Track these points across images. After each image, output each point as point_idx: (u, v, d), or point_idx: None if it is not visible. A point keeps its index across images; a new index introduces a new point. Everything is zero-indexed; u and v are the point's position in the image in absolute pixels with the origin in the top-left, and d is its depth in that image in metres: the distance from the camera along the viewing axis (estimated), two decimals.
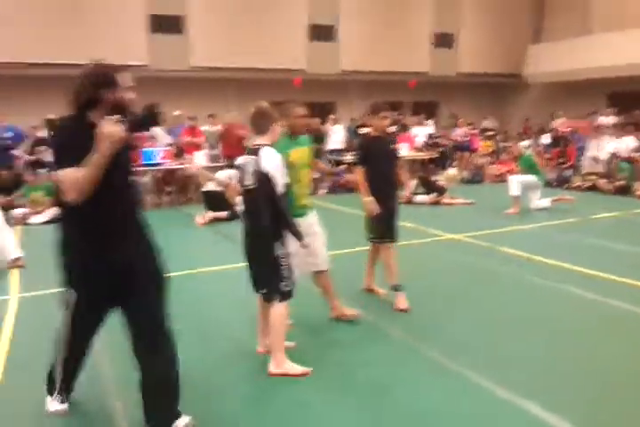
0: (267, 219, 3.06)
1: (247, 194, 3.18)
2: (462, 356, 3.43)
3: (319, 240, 3.75)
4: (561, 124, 14.82)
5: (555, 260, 5.63)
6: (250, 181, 3.09)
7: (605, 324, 3.98)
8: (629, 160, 11.11)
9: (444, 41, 18.14)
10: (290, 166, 3.36)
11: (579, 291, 4.65)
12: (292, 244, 3.25)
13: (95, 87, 2.32)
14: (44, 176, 9.36)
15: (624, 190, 10.19)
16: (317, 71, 15.76)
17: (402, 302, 4.26)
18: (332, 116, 13.31)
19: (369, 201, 4.19)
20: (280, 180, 3.10)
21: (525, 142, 11.05)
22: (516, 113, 19.01)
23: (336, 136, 12.59)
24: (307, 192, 3.70)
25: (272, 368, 3.23)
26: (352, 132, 12.56)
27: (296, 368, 3.22)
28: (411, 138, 12.87)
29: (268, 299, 3.27)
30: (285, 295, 3.19)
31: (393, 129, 13.64)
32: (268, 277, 3.18)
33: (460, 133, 13.93)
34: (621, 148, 11.31)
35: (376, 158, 4.27)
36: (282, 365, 3.23)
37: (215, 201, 8.06)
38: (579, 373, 3.22)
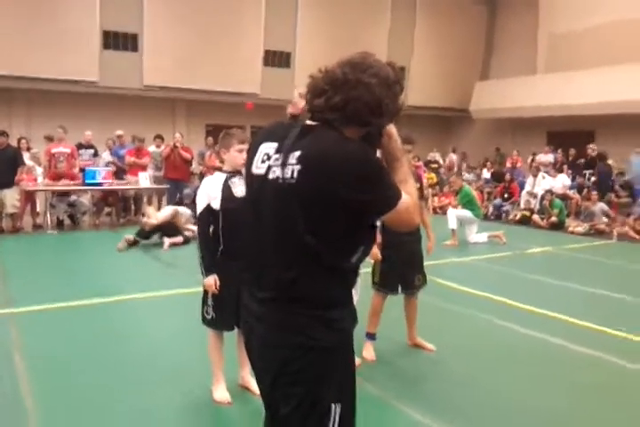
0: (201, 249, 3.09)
1: None
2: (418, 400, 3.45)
3: None
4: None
5: (485, 292, 5.78)
6: None
7: (527, 355, 4.09)
8: (563, 197, 11.64)
9: None
10: None
11: (506, 323, 4.78)
12: None
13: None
14: None
15: (557, 226, 10.64)
16: (271, 96, 15.91)
17: (368, 350, 3.95)
18: None
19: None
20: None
21: (466, 176, 11.43)
22: (460, 146, 19.66)
23: None
24: None
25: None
26: None
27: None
28: None
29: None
30: (206, 322, 3.18)
31: None
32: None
33: None
34: (556, 185, 11.86)
35: None
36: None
37: (168, 229, 8.05)
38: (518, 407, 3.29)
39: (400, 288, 4.04)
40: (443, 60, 19.02)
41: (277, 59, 16.82)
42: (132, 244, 7.77)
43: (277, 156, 1.54)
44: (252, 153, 1.64)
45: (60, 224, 9.45)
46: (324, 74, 1.54)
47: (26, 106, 14.37)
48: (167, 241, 7.88)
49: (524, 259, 7.98)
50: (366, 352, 3.95)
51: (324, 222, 1.49)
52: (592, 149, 13.07)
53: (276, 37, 16.33)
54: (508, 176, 12.68)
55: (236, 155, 3.09)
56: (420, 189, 4.07)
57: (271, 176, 1.53)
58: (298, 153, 1.49)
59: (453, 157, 17.09)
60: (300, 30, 16.67)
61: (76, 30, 13.70)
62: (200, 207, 3.10)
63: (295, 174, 1.47)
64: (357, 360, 3.78)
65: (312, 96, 1.56)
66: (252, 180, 1.62)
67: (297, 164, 1.48)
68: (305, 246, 1.50)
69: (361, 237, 1.59)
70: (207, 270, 3.05)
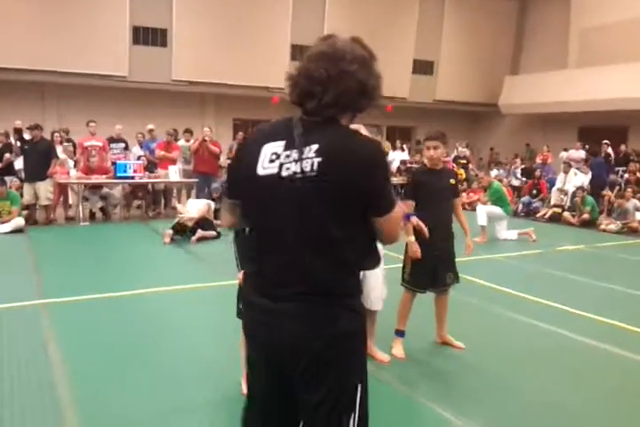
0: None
1: None
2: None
3: (371, 279, 3.51)
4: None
5: (515, 290, 5.71)
6: None
7: (558, 354, 4.03)
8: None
9: (423, 68, 18.50)
10: None
11: (536, 322, 4.71)
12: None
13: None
14: (16, 184, 9.24)
15: (588, 224, 10.44)
16: None
17: (397, 348, 3.94)
18: None
19: (412, 242, 3.70)
20: None
21: (495, 172, 11.26)
22: (489, 141, 19.41)
23: None
24: None
25: None
26: None
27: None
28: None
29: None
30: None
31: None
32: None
33: None
34: (588, 182, 11.62)
35: (426, 195, 3.76)
36: None
37: (204, 224, 8.14)
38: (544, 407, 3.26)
39: (430, 286, 3.99)
40: (471, 54, 18.77)
41: (304, 53, 16.77)
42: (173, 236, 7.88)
43: (288, 152, 1.53)
44: (252, 155, 1.59)
45: (91, 216, 9.63)
46: (305, 74, 1.56)
47: (57, 100, 14.64)
48: (199, 233, 7.88)
49: (554, 257, 7.84)
50: (395, 350, 3.92)
51: (347, 212, 1.52)
52: (607, 145, 13.00)
53: (303, 31, 16.27)
54: (538, 173, 12.47)
55: None
56: (456, 185, 4.02)
57: (285, 173, 1.52)
58: (315, 146, 1.50)
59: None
60: (328, 24, 16.62)
61: (107, 26, 13.91)
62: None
63: (315, 166, 1.49)
64: (386, 357, 3.78)
65: (301, 99, 1.57)
66: (257, 181, 1.57)
67: (316, 156, 1.49)
68: (330, 238, 1.52)
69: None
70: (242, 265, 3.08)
